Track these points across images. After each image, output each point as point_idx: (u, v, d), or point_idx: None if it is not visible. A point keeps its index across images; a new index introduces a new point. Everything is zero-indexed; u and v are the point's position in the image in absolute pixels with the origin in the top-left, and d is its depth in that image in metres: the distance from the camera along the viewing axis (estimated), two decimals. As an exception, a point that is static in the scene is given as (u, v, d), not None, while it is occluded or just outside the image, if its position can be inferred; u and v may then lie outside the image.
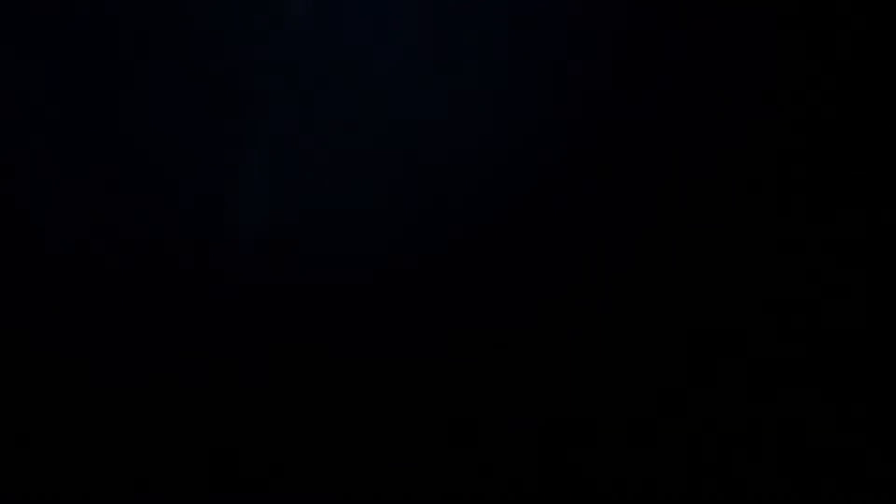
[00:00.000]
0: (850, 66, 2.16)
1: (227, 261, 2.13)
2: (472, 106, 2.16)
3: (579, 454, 2.14)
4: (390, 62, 2.16)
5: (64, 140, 2.10)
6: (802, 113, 2.17)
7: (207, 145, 2.14)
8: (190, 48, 2.12)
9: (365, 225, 2.16)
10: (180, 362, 2.14)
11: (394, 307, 2.16)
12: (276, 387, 2.14)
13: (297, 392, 2.14)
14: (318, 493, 2.11)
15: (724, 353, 2.15)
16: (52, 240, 2.11)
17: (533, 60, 2.17)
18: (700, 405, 2.14)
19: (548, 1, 2.17)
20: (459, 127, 2.16)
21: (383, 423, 2.14)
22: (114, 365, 2.14)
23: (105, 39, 2.11)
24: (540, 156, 2.16)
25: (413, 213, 2.16)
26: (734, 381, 2.14)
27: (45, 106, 2.11)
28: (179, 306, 2.14)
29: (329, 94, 2.16)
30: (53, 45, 2.11)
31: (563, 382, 2.15)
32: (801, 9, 2.16)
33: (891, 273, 2.14)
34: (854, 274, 2.15)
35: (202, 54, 2.13)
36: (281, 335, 2.15)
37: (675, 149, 2.17)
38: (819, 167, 2.17)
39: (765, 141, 2.18)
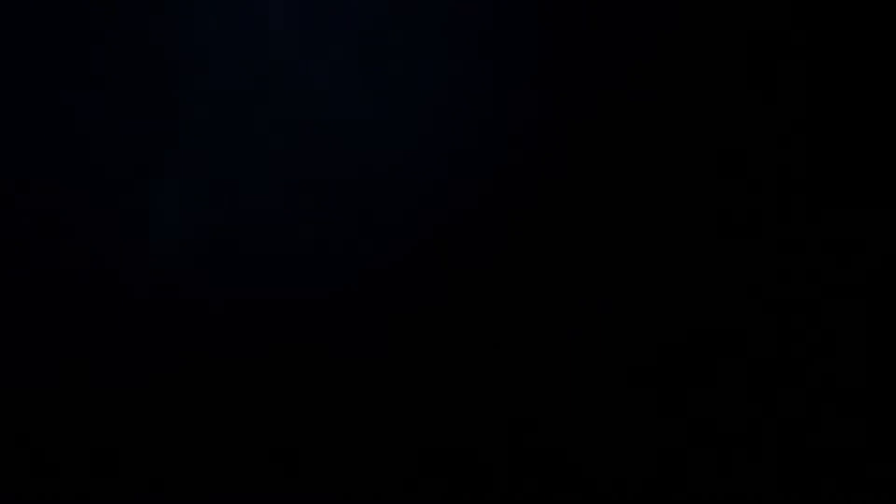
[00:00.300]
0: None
1: (142, 272, 2.10)
2: (408, 107, 2.15)
3: (573, 454, 2.14)
4: (321, 61, 2.14)
5: None
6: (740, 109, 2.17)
7: (122, 147, 2.10)
8: (108, 45, 2.09)
9: (296, 233, 2.13)
10: (88, 374, 2.11)
11: (324, 320, 2.14)
12: (191, 402, 2.13)
13: (213, 409, 2.14)
14: None
15: (716, 354, 2.15)
16: None
17: (469, 59, 2.16)
18: (696, 406, 2.14)
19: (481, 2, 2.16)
20: (396, 129, 2.14)
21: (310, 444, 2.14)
22: (17, 376, 2.11)
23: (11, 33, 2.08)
24: (482, 155, 2.16)
25: (349, 220, 2.14)
26: (726, 383, 2.15)
27: None
28: (86, 320, 2.11)
29: (257, 94, 2.14)
30: None
31: (535, 382, 2.15)
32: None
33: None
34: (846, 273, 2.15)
35: (120, 51, 2.10)
36: (200, 352, 2.12)
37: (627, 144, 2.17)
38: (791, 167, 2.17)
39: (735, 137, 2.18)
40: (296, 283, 2.15)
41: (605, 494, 2.13)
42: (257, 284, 2.14)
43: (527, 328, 2.16)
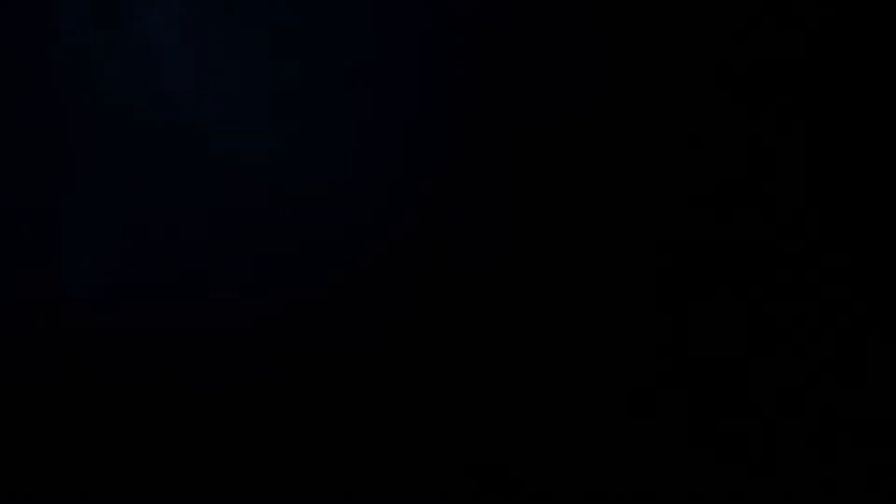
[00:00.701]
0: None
1: (58, 313, 2.08)
2: (328, 128, 2.14)
3: (564, 455, 2.14)
4: (230, 89, 2.13)
5: None
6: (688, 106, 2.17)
7: (31, 184, 2.07)
8: (17, 82, 2.06)
9: (239, 234, 2.12)
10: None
11: (324, 320, 2.13)
12: (191, 403, 2.13)
13: (213, 410, 2.13)
14: None
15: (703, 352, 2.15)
16: None
17: (384, 72, 2.15)
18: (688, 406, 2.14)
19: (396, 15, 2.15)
20: (318, 151, 2.13)
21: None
22: None
23: None
24: (480, 154, 2.16)
25: (295, 222, 2.13)
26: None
27: None
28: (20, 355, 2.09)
29: (167, 125, 2.11)
30: None
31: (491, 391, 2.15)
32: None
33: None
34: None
35: (23, 83, 2.07)
36: (155, 355, 2.11)
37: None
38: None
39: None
40: (286, 285, 2.15)
41: (605, 495, 2.13)
42: (250, 287, 2.14)
43: (527, 328, 2.16)
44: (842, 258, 2.15)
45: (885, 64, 2.16)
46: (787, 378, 2.14)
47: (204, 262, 2.11)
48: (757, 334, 2.15)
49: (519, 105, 2.18)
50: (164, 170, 2.09)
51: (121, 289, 2.09)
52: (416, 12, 2.14)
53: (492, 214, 2.17)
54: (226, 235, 2.11)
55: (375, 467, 2.14)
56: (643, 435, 2.13)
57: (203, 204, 2.08)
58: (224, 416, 2.14)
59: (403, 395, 2.15)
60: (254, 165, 2.11)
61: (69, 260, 2.08)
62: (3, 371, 2.08)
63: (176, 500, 2.12)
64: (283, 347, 2.15)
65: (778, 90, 2.18)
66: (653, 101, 2.18)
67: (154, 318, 2.10)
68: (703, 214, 2.17)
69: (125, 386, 2.12)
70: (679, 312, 2.15)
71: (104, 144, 2.09)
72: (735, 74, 2.18)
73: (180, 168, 2.09)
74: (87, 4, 2.06)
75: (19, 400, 2.09)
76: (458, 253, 2.17)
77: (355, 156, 2.17)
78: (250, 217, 2.11)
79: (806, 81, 2.18)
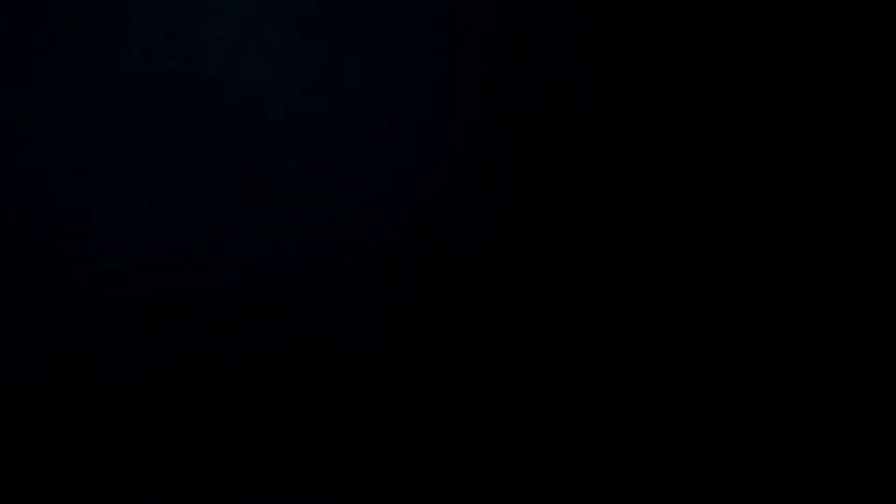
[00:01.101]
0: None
1: (93, 276, 2.08)
2: (347, 109, 2.14)
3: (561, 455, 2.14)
4: (260, 64, 2.13)
5: None
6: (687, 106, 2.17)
7: (68, 148, 2.07)
8: (50, 43, 2.06)
9: (240, 234, 2.12)
10: (42, 379, 2.10)
11: (271, 324, 2.13)
12: (140, 406, 2.13)
13: (161, 412, 2.13)
14: None
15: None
16: None
17: (394, 61, 2.15)
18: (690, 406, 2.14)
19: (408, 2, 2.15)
20: (335, 128, 2.13)
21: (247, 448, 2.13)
22: None
23: None
24: (480, 152, 2.15)
25: (296, 221, 2.13)
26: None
27: None
28: (41, 324, 2.09)
29: (199, 94, 2.12)
30: None
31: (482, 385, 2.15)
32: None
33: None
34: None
35: (62, 50, 2.07)
36: (156, 356, 2.12)
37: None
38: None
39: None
40: (280, 282, 2.15)
41: (604, 494, 2.13)
42: (245, 285, 2.14)
43: (527, 328, 2.16)
44: (838, 260, 2.15)
45: (883, 63, 2.17)
46: (788, 377, 2.14)
47: (202, 254, 2.12)
48: (756, 333, 2.15)
49: (519, 105, 2.18)
50: (191, 119, 2.10)
51: (142, 259, 2.10)
52: (416, 12, 2.14)
53: (492, 214, 2.17)
54: (226, 232, 2.11)
55: (374, 466, 2.14)
56: (642, 434, 2.14)
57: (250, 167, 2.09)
58: (224, 416, 2.14)
59: (403, 394, 2.15)
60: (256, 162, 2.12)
61: (98, 221, 2.09)
62: (26, 338, 2.09)
63: (172, 499, 2.12)
64: (283, 347, 2.15)
65: (778, 89, 2.18)
66: (652, 102, 2.18)
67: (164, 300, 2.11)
68: (703, 214, 2.17)
69: (124, 385, 2.13)
70: (678, 312, 2.16)
71: (136, 94, 2.10)
72: (735, 74, 2.18)
73: (208, 116, 2.10)
74: None
75: (42, 366, 2.09)
76: (458, 253, 2.17)
77: (356, 155, 2.17)
78: (250, 215, 2.11)
79: (805, 81, 2.18)
